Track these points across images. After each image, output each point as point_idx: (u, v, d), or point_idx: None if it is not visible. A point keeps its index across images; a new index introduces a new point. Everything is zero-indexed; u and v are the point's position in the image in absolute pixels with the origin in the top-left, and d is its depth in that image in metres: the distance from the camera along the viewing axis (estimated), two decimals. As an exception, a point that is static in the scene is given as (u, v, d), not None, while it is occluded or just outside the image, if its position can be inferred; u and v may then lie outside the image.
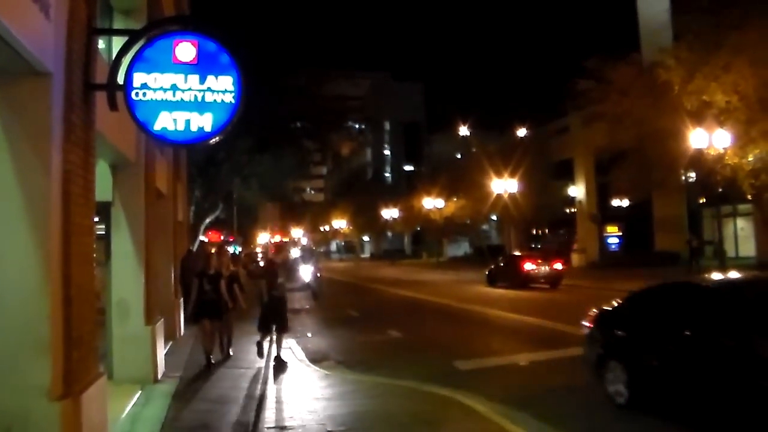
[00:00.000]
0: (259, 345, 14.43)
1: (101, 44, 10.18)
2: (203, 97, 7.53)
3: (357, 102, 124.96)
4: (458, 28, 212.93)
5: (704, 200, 42.96)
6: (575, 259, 54.45)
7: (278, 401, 10.76)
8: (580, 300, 28.29)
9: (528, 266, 34.67)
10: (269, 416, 9.90)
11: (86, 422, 6.83)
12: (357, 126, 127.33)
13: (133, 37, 7.83)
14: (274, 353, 14.24)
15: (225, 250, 19.36)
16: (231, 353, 15.11)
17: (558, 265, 35.14)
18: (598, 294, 31.22)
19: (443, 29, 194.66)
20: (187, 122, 7.50)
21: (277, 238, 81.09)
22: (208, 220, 42.97)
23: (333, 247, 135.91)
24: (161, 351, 13.18)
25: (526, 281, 34.23)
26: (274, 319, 14.25)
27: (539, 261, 35.45)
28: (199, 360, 14.44)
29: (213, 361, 14.02)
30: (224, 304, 14.42)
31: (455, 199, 65.17)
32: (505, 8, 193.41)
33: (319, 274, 33.86)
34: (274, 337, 14.48)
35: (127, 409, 10.20)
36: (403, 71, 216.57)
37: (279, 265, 14.79)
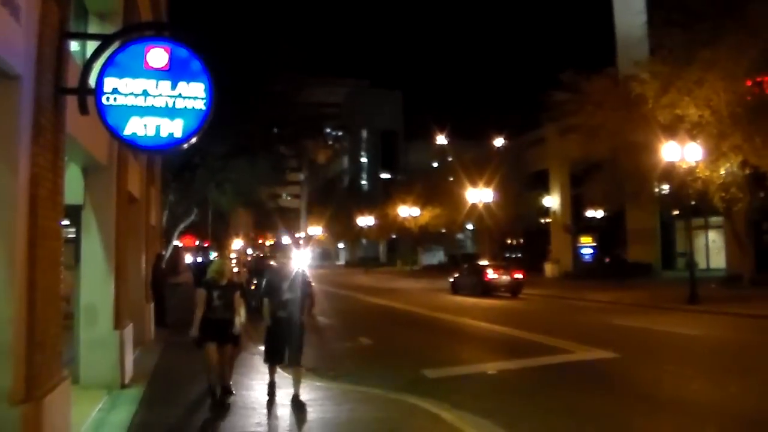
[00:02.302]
0: (270, 386, 11.44)
1: (75, 47, 10.17)
2: (174, 103, 7.56)
3: (334, 109, 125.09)
4: (437, 37, 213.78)
5: (677, 212, 43.35)
6: (549, 269, 54.74)
7: (246, 407, 10.72)
8: (538, 309, 28.76)
9: (490, 275, 35.76)
10: (236, 422, 9.88)
11: (48, 427, 6.81)
12: (334, 133, 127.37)
13: (105, 41, 7.84)
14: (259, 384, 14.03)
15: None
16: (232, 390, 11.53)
17: (518, 275, 36.12)
18: (558, 303, 31.80)
19: (422, 38, 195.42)
20: (158, 128, 7.52)
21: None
22: (182, 225, 42.75)
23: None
24: (130, 356, 13.12)
25: (488, 289, 35.26)
26: (286, 347, 11.18)
27: (501, 270, 36.64)
28: (168, 365, 14.40)
29: (219, 398, 10.90)
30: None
31: (430, 208, 65.38)
32: (484, 19, 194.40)
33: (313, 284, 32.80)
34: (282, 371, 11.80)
35: (93, 414, 10.15)
36: (381, 79, 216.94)
37: (283, 276, 11.51)
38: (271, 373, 11.55)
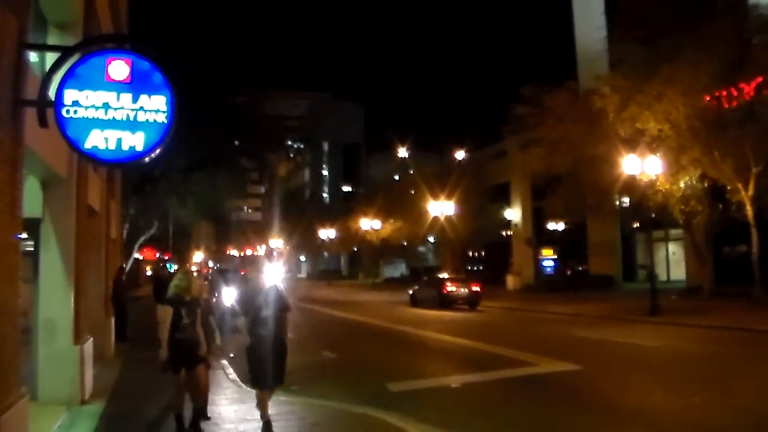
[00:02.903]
0: (264, 420, 10.05)
1: (34, 57, 10.02)
2: (135, 116, 7.50)
3: (296, 122, 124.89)
4: (399, 50, 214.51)
5: (637, 225, 43.79)
6: (511, 281, 54.83)
7: (207, 423, 10.59)
8: (500, 322, 29.02)
9: (449, 288, 36.38)
10: (198, 439, 9.77)
11: (7, 445, 6.67)
12: (296, 146, 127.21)
13: (65, 53, 7.75)
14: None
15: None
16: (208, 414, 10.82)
17: (476, 288, 36.74)
18: (520, 315, 32.00)
19: (384, 51, 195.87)
20: (119, 141, 7.44)
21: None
22: (142, 239, 42.41)
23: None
24: (89, 371, 12.93)
25: (446, 302, 35.75)
26: (269, 367, 10.14)
27: (459, 283, 37.35)
28: (129, 380, 14.20)
29: (191, 424, 10.04)
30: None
31: (392, 221, 65.40)
32: (445, 33, 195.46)
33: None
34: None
35: (52, 431, 9.99)
36: (343, 92, 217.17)
37: (258, 291, 10.53)
38: (260, 396, 10.27)
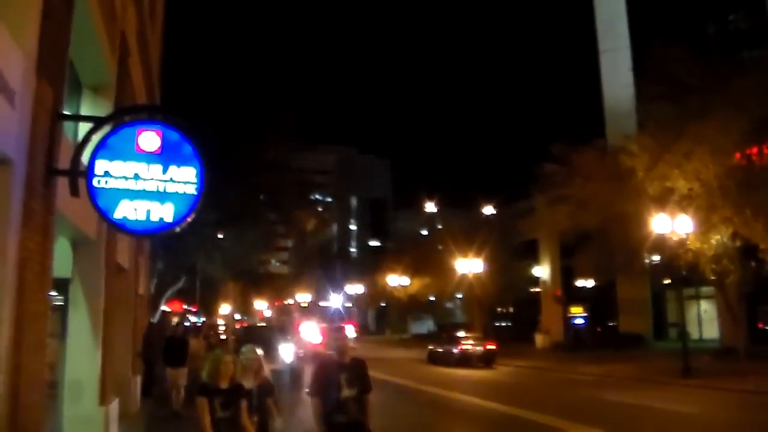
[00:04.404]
0: None
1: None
2: (165, 187, 7.52)
3: (323, 176, 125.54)
4: (428, 106, 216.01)
5: (668, 282, 43.39)
6: (539, 339, 54.31)
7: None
8: (530, 383, 28.80)
9: (464, 346, 37.20)
10: None
11: None
12: (323, 199, 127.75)
13: (97, 123, 7.82)
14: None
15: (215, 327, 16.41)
16: None
17: (491, 346, 37.60)
18: (549, 376, 31.63)
19: (413, 106, 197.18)
20: (148, 212, 7.47)
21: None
22: (170, 292, 42.55)
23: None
24: (114, 432, 12.89)
25: (463, 360, 36.44)
26: None
27: (474, 341, 38.12)
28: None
29: None
30: None
31: (420, 277, 65.28)
32: (474, 89, 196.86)
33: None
34: None
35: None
36: (370, 146, 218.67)
37: (339, 365, 8.25)
38: None
